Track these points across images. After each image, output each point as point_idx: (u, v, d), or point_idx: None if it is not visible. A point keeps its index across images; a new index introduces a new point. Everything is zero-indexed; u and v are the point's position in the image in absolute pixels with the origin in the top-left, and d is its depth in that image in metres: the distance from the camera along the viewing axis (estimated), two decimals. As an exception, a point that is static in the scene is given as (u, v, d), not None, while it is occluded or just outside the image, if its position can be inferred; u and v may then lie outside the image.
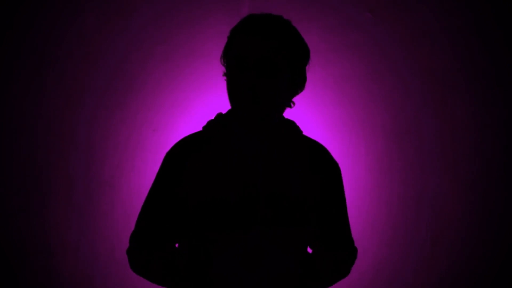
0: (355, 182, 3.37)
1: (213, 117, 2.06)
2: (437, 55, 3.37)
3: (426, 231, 3.37)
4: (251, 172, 1.92)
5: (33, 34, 3.32)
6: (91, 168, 3.36)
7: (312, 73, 3.44)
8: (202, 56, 3.34)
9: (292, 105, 2.01)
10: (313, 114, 3.38)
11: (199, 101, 3.34)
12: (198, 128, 2.07)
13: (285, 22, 1.95)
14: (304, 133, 2.11)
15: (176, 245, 2.04)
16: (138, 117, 3.38)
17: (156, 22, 3.38)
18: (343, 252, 2.08)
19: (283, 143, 1.99)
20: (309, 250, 2.15)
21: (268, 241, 1.89)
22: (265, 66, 1.88)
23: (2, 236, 3.30)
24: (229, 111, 2.01)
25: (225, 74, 1.98)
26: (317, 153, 2.04)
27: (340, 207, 2.08)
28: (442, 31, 3.36)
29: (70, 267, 3.35)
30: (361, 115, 3.39)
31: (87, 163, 3.36)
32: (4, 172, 3.31)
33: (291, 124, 2.05)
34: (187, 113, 3.35)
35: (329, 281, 2.06)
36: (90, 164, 3.36)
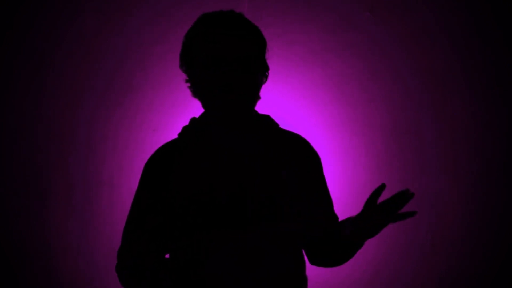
0: (355, 182, 3.37)
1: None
2: (437, 55, 3.37)
3: (426, 231, 3.37)
4: (237, 170, 1.92)
5: (33, 34, 3.32)
6: (90, 168, 3.36)
7: (312, 73, 3.45)
8: (202, 56, 3.34)
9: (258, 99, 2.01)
10: (313, 114, 3.38)
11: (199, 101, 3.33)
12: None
13: (241, 15, 1.96)
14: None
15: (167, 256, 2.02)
16: (138, 117, 3.38)
17: (156, 22, 3.38)
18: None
19: (262, 138, 1.98)
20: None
21: (266, 240, 1.88)
22: (240, 62, 1.89)
23: (2, 236, 3.30)
24: (203, 114, 2.01)
25: (189, 80, 1.98)
26: (296, 144, 2.03)
27: (323, 191, 2.06)
28: (442, 31, 3.36)
29: (70, 267, 3.34)
30: (361, 115, 3.39)
31: (87, 163, 3.36)
32: (4, 173, 3.31)
33: (267, 118, 2.04)
34: (187, 113, 3.34)
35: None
36: (89, 164, 3.36)
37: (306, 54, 3.36)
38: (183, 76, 3.51)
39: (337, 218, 2.09)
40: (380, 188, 1.87)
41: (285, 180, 1.94)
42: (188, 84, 2.00)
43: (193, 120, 2.04)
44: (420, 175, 3.38)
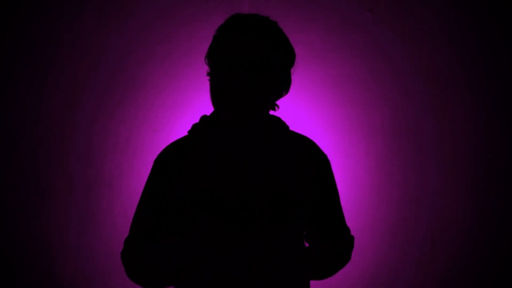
0: (355, 182, 3.37)
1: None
2: (437, 55, 3.37)
3: (426, 231, 3.38)
4: (245, 173, 1.92)
5: (33, 34, 3.32)
6: (91, 168, 3.36)
7: (312, 73, 3.45)
8: (202, 55, 3.33)
9: (276, 108, 2.02)
10: (313, 114, 3.38)
11: (199, 101, 3.34)
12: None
13: (274, 23, 1.97)
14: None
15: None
16: (138, 117, 3.38)
17: (156, 22, 3.38)
18: (342, 239, 2.07)
19: (273, 140, 1.98)
20: (306, 244, 2.15)
21: (267, 240, 1.89)
22: (259, 64, 1.89)
23: (2, 236, 3.31)
24: (213, 113, 2.01)
25: (209, 74, 1.98)
26: (305, 147, 2.04)
27: (333, 197, 2.07)
28: (442, 31, 3.36)
29: (70, 267, 3.35)
30: (361, 115, 3.40)
31: (87, 163, 3.36)
32: (4, 172, 3.31)
33: (278, 120, 2.05)
34: (187, 113, 3.35)
35: (332, 269, 2.05)
36: (90, 164, 3.36)
37: (306, 54, 3.36)
38: (182, 76, 3.51)
39: (343, 226, 2.10)
40: None
41: (289, 182, 1.93)
42: (208, 78, 1.99)
43: (203, 118, 2.03)
44: (420, 175, 3.39)
